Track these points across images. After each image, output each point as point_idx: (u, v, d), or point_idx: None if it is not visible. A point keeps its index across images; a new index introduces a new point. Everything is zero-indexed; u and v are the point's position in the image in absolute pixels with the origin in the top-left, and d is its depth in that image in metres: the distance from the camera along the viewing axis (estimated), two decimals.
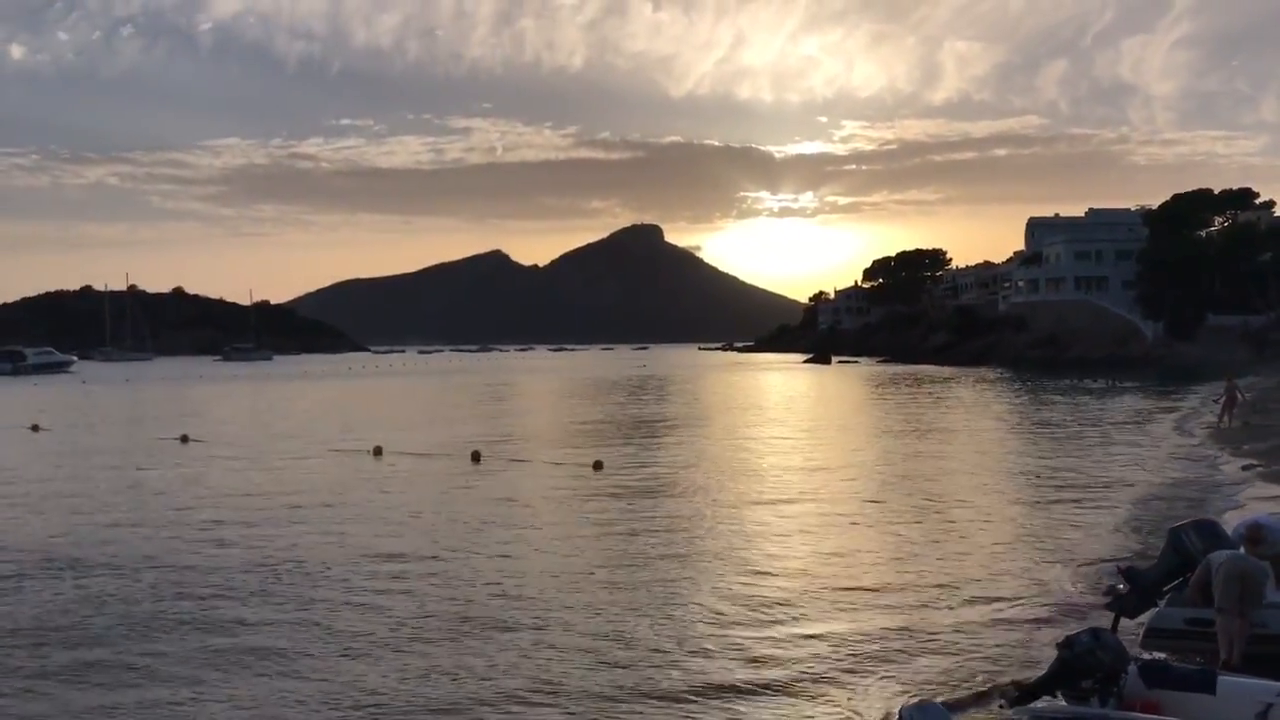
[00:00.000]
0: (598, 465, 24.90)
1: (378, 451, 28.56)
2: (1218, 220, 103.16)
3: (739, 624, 11.30)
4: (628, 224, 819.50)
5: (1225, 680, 7.28)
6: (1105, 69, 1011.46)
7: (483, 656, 10.22)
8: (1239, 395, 33.41)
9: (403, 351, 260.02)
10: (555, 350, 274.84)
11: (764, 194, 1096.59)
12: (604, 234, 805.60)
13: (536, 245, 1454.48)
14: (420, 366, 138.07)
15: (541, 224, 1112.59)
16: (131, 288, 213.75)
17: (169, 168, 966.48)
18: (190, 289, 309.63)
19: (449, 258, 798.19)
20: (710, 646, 10.47)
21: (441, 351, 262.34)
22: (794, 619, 11.53)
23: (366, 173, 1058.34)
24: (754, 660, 10.04)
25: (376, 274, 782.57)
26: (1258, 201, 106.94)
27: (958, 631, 10.87)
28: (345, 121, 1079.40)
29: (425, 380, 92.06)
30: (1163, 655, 9.17)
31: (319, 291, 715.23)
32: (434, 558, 14.83)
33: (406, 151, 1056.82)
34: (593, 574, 13.76)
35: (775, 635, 10.86)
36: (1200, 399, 43.66)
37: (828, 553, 14.99)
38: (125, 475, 25.10)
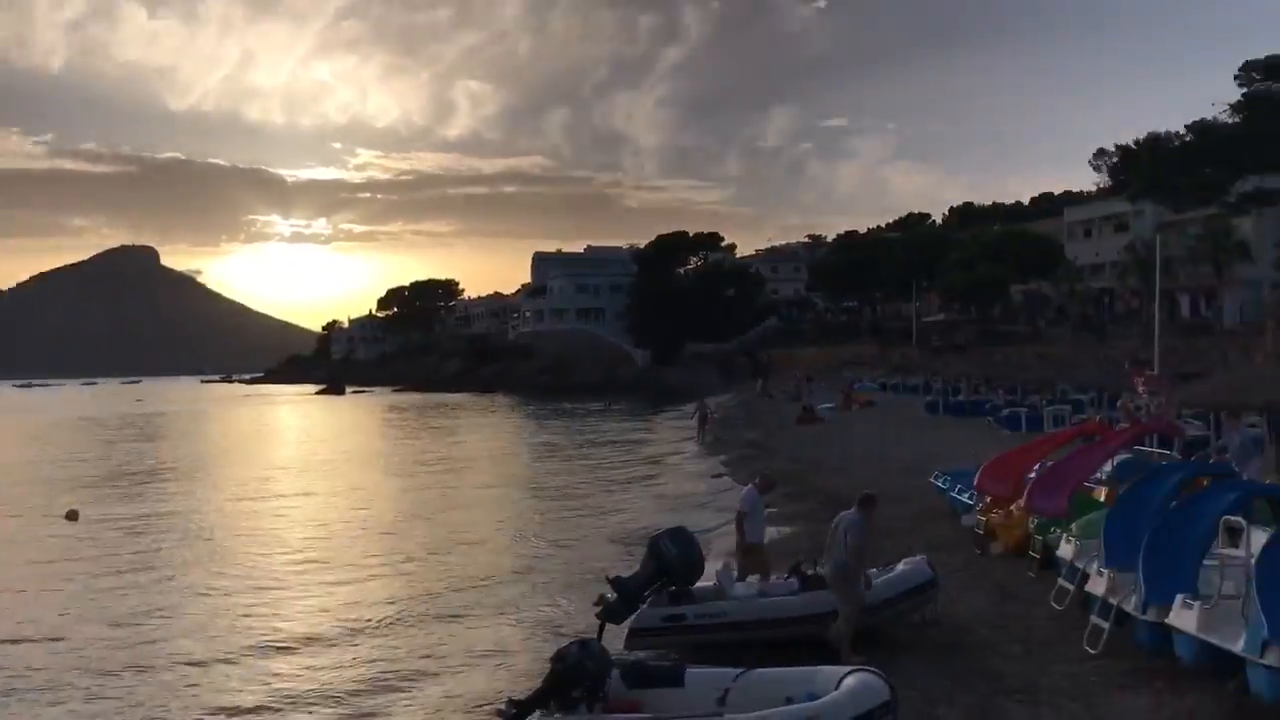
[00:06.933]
0: (72, 515, 21.99)
1: None
2: (693, 259, 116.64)
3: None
4: (117, 245, 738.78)
5: (691, 672, 8.02)
6: (602, 119, 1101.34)
7: None
8: (709, 414, 37.77)
9: None
10: (23, 386, 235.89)
11: (275, 218, 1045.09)
12: (88, 255, 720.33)
13: (2, 265, 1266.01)
14: None
15: (8, 242, 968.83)
16: None
17: None
18: None
19: None
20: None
21: None
22: (307, 652, 11.04)
23: None
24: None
25: None
26: (724, 244, 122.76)
27: (452, 656, 11.00)
28: None
29: None
30: (644, 655, 9.95)
31: None
32: None
33: None
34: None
35: (297, 668, 10.25)
36: (676, 418, 48.80)
37: (332, 584, 14.55)
38: None
